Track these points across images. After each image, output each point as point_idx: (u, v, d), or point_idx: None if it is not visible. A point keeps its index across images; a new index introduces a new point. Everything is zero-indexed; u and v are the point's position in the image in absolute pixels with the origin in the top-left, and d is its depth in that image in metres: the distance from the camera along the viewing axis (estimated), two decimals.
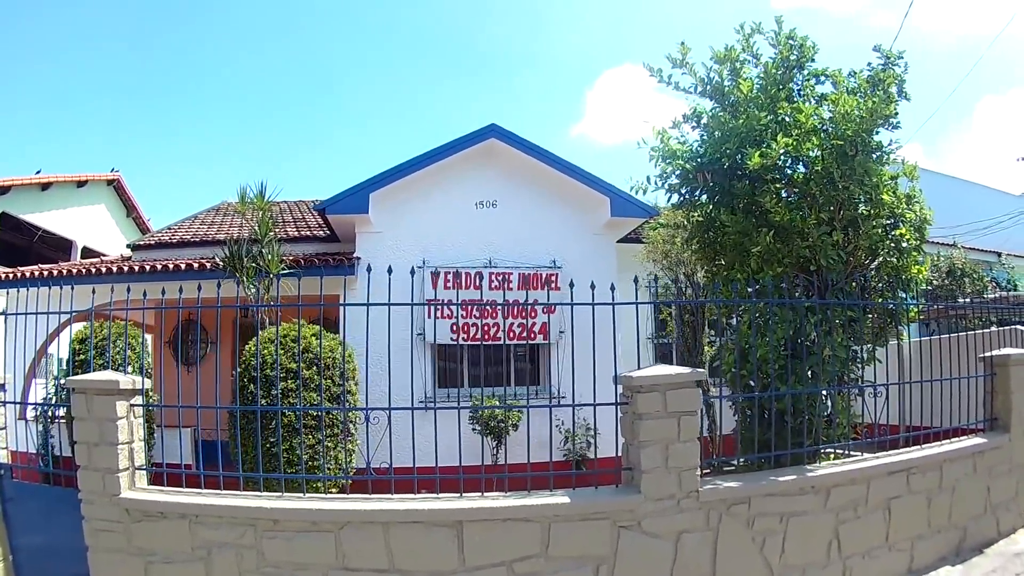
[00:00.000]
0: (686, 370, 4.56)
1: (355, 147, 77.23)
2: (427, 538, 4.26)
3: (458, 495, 4.42)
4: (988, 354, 5.92)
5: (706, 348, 8.29)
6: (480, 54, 76.37)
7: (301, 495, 4.52)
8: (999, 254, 14.87)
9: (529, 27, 73.52)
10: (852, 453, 5.40)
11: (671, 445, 4.44)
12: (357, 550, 4.28)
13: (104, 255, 17.60)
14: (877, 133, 5.61)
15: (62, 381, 5.66)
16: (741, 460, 5.03)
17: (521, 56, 76.85)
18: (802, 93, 5.69)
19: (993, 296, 10.39)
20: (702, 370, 4.61)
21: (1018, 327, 7.00)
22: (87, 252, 19.63)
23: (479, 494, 4.44)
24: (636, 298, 4.72)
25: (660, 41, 71.60)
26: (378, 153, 75.93)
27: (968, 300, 8.47)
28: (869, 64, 5.76)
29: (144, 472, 4.82)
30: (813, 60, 5.66)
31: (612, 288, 4.77)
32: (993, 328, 6.79)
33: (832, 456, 5.35)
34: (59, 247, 19.74)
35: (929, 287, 5.63)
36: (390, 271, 4.70)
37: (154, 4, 56.39)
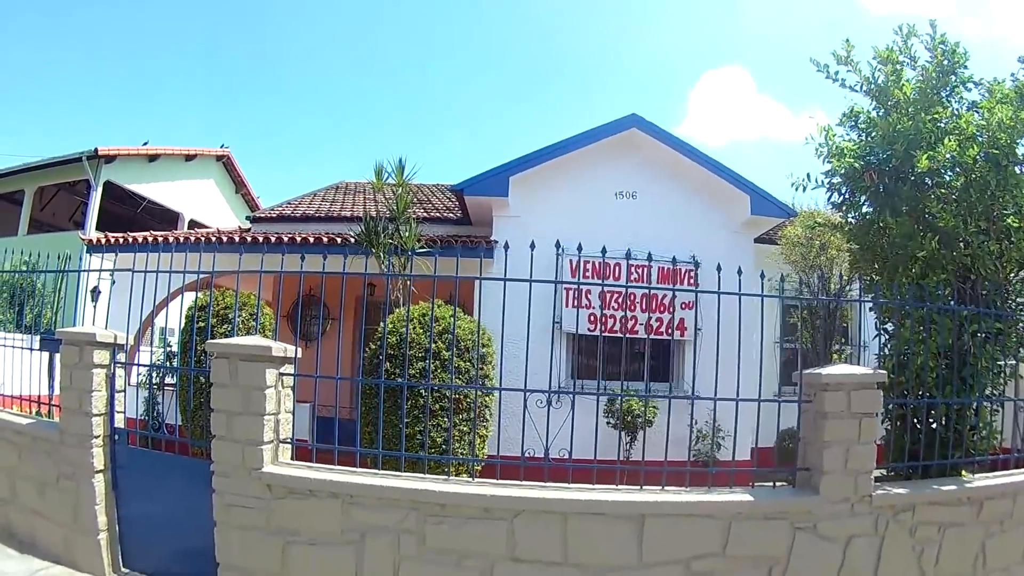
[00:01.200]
0: (869, 370, 4.44)
1: (461, 148, 78.47)
2: (607, 531, 4.06)
3: (638, 487, 4.22)
4: None
5: (834, 356, 8.19)
6: (578, 60, 77.47)
7: (471, 479, 4.28)
8: None
9: (626, 31, 74.80)
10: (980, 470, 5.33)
11: (851, 447, 4.31)
12: (530, 540, 4.06)
13: (212, 228, 17.46)
14: (1020, 144, 5.59)
15: (173, 348, 5.35)
16: (890, 468, 4.90)
17: (620, 60, 77.93)
18: (952, 99, 5.65)
19: None
20: (883, 371, 4.50)
21: None
22: (194, 224, 19.61)
23: (659, 488, 4.24)
24: (780, 294, 4.60)
25: (759, 43, 72.32)
26: (478, 155, 79.65)
27: None
28: (1012, 75, 5.74)
29: (289, 446, 4.50)
30: (965, 67, 5.62)
31: (763, 276, 4.61)
32: None
33: (963, 471, 5.26)
34: (164, 219, 19.64)
35: None
36: (533, 246, 4.51)
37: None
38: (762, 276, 4.56)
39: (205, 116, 57.19)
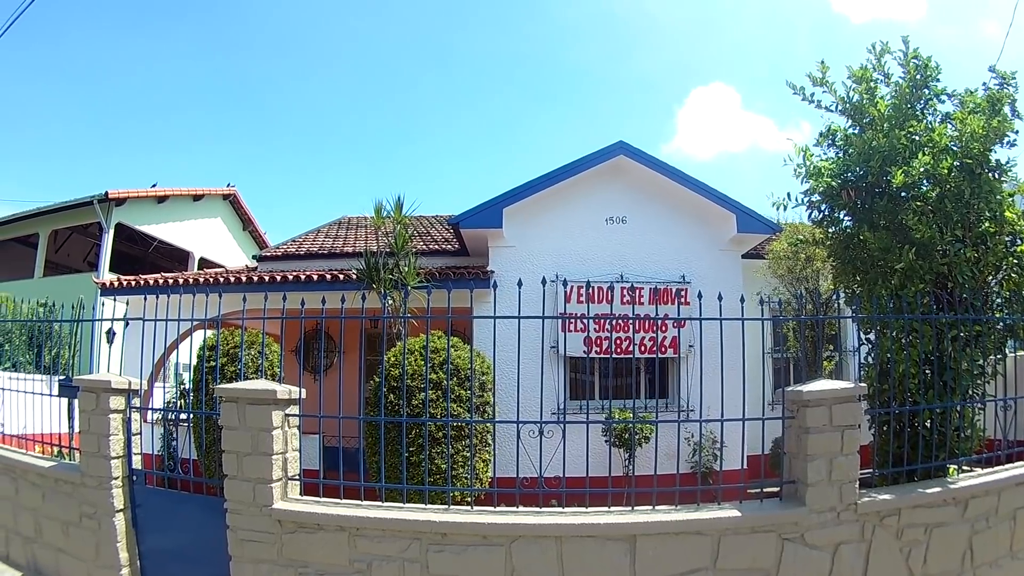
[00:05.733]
0: (850, 384, 4.62)
1: (460, 176, 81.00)
2: (600, 552, 4.26)
3: (630, 508, 4.42)
4: None
5: (825, 363, 8.36)
6: (569, 80, 79.00)
7: (470, 508, 4.49)
8: None
9: (616, 51, 76.16)
10: (967, 468, 5.49)
11: (835, 458, 4.49)
12: (527, 564, 4.27)
13: (221, 266, 18.10)
14: (994, 151, 5.73)
15: (186, 385, 5.64)
16: (877, 474, 5.08)
17: (610, 79, 79.20)
18: (927, 112, 5.78)
19: None
20: (863, 384, 4.67)
21: None
22: (204, 263, 20.18)
23: (650, 507, 4.44)
24: (762, 315, 4.78)
25: (743, 59, 73.62)
26: (474, 182, 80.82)
27: None
28: (984, 84, 5.86)
29: (297, 483, 4.74)
30: (937, 80, 5.75)
31: (742, 300, 4.79)
32: None
33: (953, 470, 5.43)
34: (175, 258, 20.26)
35: None
36: (520, 284, 4.72)
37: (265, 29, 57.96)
38: (741, 300, 4.72)
39: (210, 151, 58.62)
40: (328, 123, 71.37)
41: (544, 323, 4.69)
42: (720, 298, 4.59)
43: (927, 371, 5.17)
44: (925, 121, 5.65)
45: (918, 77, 5.69)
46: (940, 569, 4.90)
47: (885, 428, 5.14)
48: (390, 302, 6.20)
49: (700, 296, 4.74)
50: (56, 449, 6.05)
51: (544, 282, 4.50)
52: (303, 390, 4.77)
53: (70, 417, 5.68)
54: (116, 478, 5.15)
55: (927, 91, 5.75)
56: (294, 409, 4.72)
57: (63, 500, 5.46)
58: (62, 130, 51.37)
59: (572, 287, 7.00)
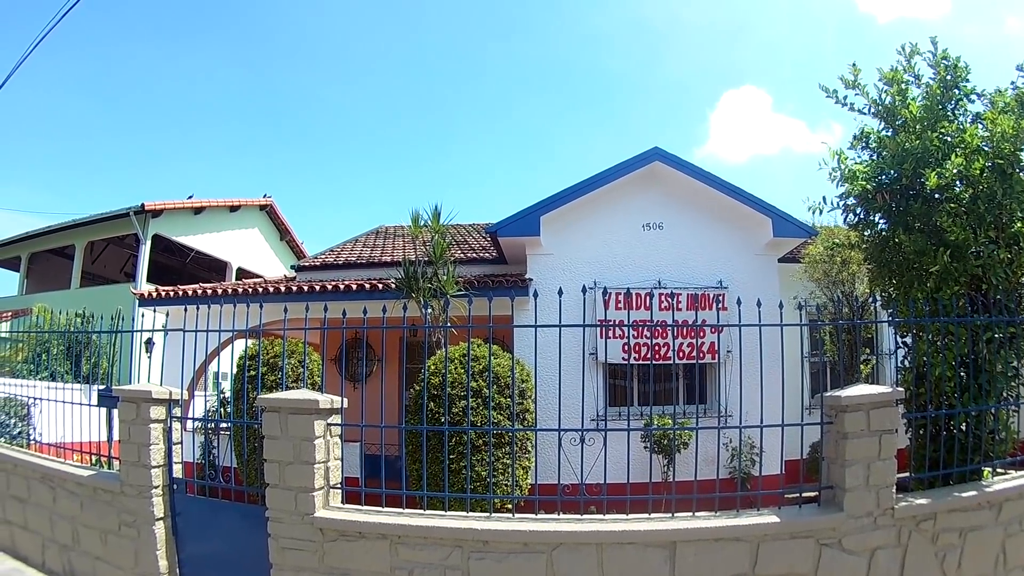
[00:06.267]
0: (887, 389, 4.63)
1: (484, 185, 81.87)
2: (640, 559, 4.30)
3: (670, 515, 4.46)
4: None
5: (862, 367, 8.39)
6: (602, 86, 79.30)
7: (511, 515, 4.54)
8: None
9: (647, 56, 76.45)
10: (1001, 471, 5.49)
11: (872, 463, 4.50)
12: (569, 571, 4.31)
13: (259, 276, 18.29)
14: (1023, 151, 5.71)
15: (226, 394, 5.70)
16: (913, 477, 5.09)
17: (643, 84, 79.44)
18: (957, 112, 5.78)
19: None
20: (900, 388, 4.68)
21: None
22: (242, 273, 20.43)
23: (690, 514, 4.47)
24: (800, 320, 4.82)
25: (774, 62, 73.57)
26: (509, 190, 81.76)
27: None
28: (1013, 83, 5.85)
29: (339, 491, 4.79)
30: (967, 80, 5.74)
31: (781, 307, 4.85)
32: None
33: (988, 473, 5.43)
34: (212, 268, 20.50)
35: None
36: (561, 293, 4.77)
37: (289, 42, 60.09)
38: (780, 307, 4.77)
39: (246, 162, 59.59)
40: (363, 132, 72.44)
41: (584, 330, 4.73)
42: (759, 304, 4.63)
43: (962, 374, 5.19)
44: (956, 122, 5.65)
45: (948, 78, 5.69)
46: (974, 573, 4.91)
47: (921, 432, 5.16)
48: (430, 311, 6.26)
49: (739, 302, 4.78)
50: (94, 458, 6.14)
51: (584, 290, 4.56)
52: (345, 399, 4.83)
53: (109, 427, 5.76)
54: (156, 487, 5.22)
55: (957, 91, 5.75)
56: (336, 418, 4.78)
57: (102, 508, 5.54)
58: (96, 141, 52.06)
59: (611, 293, 7.06)
